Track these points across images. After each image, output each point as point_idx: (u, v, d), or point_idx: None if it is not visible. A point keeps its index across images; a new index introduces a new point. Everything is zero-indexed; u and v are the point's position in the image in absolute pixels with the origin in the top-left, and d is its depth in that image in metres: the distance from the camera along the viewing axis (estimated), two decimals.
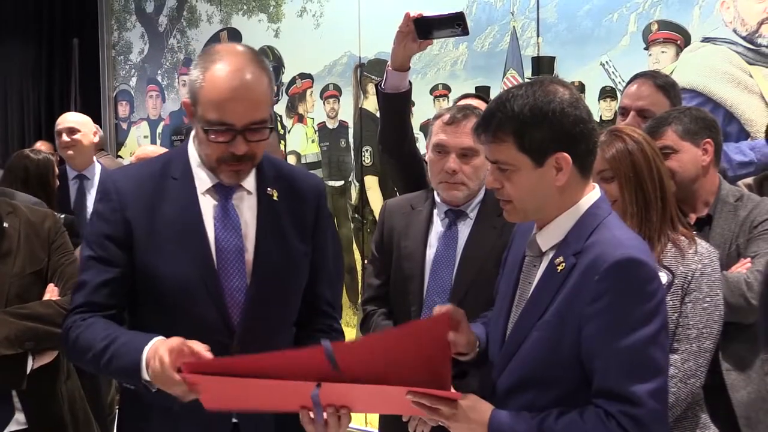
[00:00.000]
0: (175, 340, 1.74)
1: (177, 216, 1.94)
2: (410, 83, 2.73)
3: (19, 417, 2.38)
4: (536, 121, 1.66)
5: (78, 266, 2.41)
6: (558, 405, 1.68)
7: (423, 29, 2.51)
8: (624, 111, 2.95)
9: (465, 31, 2.45)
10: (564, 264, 1.69)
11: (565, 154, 1.68)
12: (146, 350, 1.78)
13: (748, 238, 2.53)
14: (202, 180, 1.98)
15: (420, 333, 1.73)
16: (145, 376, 1.78)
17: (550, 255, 1.75)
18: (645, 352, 1.60)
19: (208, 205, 1.97)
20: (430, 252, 2.58)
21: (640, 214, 2.16)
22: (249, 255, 1.98)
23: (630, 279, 1.61)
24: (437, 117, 2.61)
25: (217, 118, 1.85)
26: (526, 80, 4.86)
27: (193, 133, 2.01)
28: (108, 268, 1.95)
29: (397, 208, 2.71)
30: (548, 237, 1.76)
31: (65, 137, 4.45)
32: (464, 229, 2.57)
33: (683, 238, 2.19)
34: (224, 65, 1.86)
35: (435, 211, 2.62)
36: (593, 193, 1.77)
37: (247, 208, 2.00)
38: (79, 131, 4.43)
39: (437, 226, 2.61)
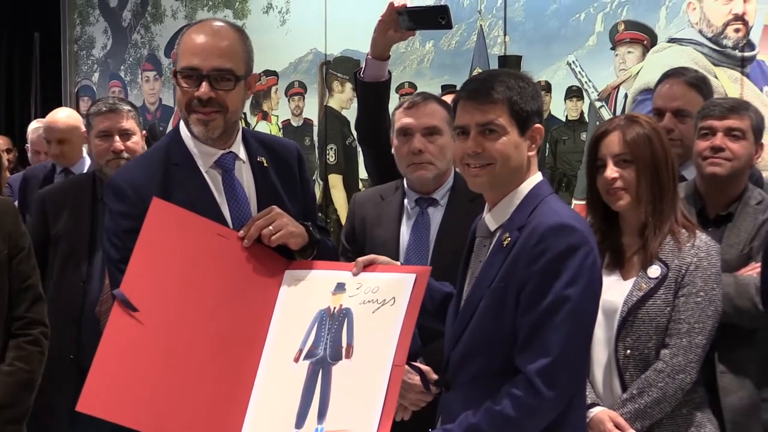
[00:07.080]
0: None
1: (190, 199, 2.06)
2: (390, 73, 2.74)
3: None
4: (527, 93, 1.84)
5: (33, 263, 2.51)
6: (504, 370, 1.78)
7: (406, 20, 2.48)
8: (659, 112, 2.86)
9: (449, 25, 2.41)
10: (509, 239, 1.82)
11: (541, 127, 1.87)
12: None
13: (763, 242, 2.46)
14: (202, 159, 2.10)
15: None
16: None
17: (497, 234, 1.88)
18: (561, 309, 1.73)
19: (215, 182, 2.11)
20: (404, 240, 2.59)
21: (653, 202, 2.17)
22: None
23: (560, 241, 1.75)
24: (398, 107, 2.65)
25: (186, 63, 2.03)
26: None
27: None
28: None
29: (367, 200, 2.72)
30: (496, 217, 1.88)
31: (54, 149, 4.25)
32: (436, 216, 2.58)
33: (684, 230, 2.18)
34: (198, 25, 2.10)
35: (405, 201, 2.63)
36: (535, 177, 1.89)
37: (245, 178, 2.15)
38: (68, 141, 4.19)
39: (408, 215, 2.61)
